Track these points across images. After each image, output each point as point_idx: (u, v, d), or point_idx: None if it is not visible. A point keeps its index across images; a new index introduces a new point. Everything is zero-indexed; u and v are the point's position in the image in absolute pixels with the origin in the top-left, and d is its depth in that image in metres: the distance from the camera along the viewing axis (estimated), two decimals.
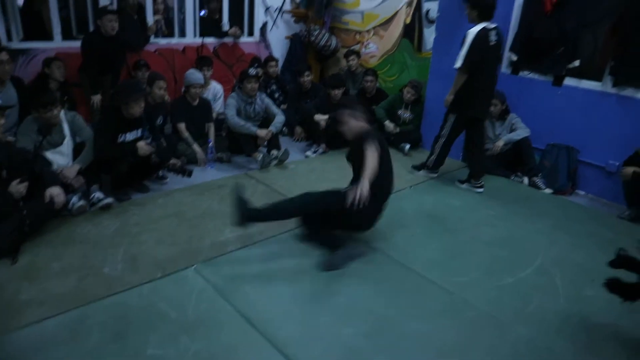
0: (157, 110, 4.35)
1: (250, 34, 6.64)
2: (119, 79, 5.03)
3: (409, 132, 5.48)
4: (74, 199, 3.38)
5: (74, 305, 2.44)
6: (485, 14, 3.93)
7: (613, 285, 2.38)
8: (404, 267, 3.04)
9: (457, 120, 4.26)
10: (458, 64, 3.98)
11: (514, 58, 4.88)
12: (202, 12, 6.12)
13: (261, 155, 4.57)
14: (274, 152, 4.70)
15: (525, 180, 4.66)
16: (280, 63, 6.68)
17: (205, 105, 4.88)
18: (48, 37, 4.98)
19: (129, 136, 3.72)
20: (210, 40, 6.11)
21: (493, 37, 3.97)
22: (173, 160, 4.20)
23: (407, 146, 5.29)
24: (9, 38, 4.68)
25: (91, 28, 5.21)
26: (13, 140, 3.53)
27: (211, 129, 4.82)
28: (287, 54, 6.91)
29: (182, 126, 4.63)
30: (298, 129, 5.64)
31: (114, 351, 2.18)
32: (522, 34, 4.76)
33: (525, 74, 4.87)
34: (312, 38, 6.52)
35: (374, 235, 3.33)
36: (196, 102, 4.76)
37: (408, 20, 5.98)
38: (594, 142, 4.45)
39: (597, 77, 4.43)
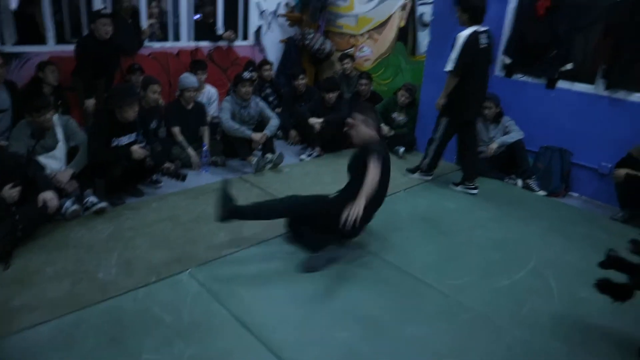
0: (151, 114, 4.34)
1: (245, 37, 6.64)
2: (112, 83, 5.01)
3: (404, 135, 5.50)
4: (68, 203, 3.37)
5: (68, 310, 2.42)
6: (475, 18, 3.95)
7: (603, 286, 2.40)
8: (399, 270, 3.04)
9: (449, 123, 4.28)
10: (449, 67, 4.01)
11: (508, 61, 4.91)
12: (197, 16, 6.12)
13: (256, 159, 4.57)
14: (269, 156, 4.70)
15: (519, 182, 4.68)
16: (275, 67, 6.69)
17: (200, 109, 4.88)
18: (41, 40, 4.96)
19: (123, 140, 3.70)
20: (204, 44, 6.10)
21: (484, 40, 4.00)
22: (167, 164, 4.19)
23: (402, 149, 5.31)
24: (2, 42, 4.65)
25: (85, 32, 5.20)
26: (6, 145, 3.52)
27: (206, 133, 4.82)
28: (281, 57, 6.91)
29: (176, 130, 4.62)
30: (292, 133, 5.64)
31: (109, 356, 2.16)
32: (515, 37, 4.79)
33: (518, 77, 4.90)
34: (307, 42, 6.53)
35: (369, 239, 3.33)
36: (190, 106, 4.75)
37: (402, 24, 6.00)
38: (587, 144, 4.48)
39: (590, 80, 4.46)
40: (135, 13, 5.50)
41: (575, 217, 4.08)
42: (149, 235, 3.25)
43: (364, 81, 5.71)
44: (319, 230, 3.16)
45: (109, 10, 5.06)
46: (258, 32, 6.66)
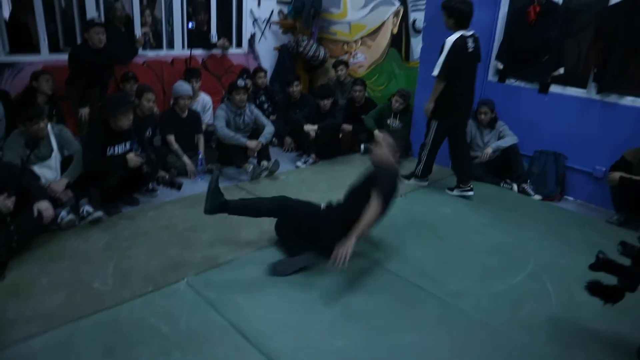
0: (145, 123, 4.33)
1: (239, 45, 6.66)
2: (107, 92, 5.00)
3: None
4: (63, 213, 3.34)
5: (64, 321, 2.40)
6: (461, 23, 3.99)
7: (594, 288, 2.41)
8: (396, 276, 3.03)
9: (439, 126, 4.31)
10: (436, 72, 4.04)
11: (500, 66, 4.95)
12: (190, 24, 6.13)
13: (251, 167, 4.56)
14: (264, 163, 4.69)
15: (515, 187, 4.70)
16: (269, 74, 6.71)
17: (195, 116, 4.87)
18: (35, 50, 4.95)
19: (118, 149, 3.69)
20: (198, 52, 6.11)
21: (471, 44, 4.04)
22: (161, 173, 4.18)
23: None
24: None
25: (79, 41, 5.19)
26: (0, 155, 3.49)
27: (201, 141, 4.81)
28: (275, 64, 6.93)
29: (171, 138, 4.61)
30: (288, 140, 5.64)
31: None
32: (507, 42, 4.83)
33: (511, 82, 4.94)
34: (301, 49, 6.55)
35: (365, 245, 3.33)
36: (185, 114, 4.74)
37: (395, 31, 6.04)
38: (581, 148, 4.51)
39: (582, 84, 4.51)
40: (128, 22, 5.50)
41: (571, 221, 4.09)
42: (145, 245, 3.23)
43: (358, 87, 5.73)
44: (303, 237, 3.15)
45: (102, 19, 5.07)
46: (252, 39, 6.68)
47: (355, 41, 6.52)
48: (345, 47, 6.66)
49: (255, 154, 4.76)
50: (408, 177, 4.74)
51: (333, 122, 5.26)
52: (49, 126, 3.57)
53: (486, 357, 2.37)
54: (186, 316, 2.50)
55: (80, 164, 3.56)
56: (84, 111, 4.65)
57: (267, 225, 3.38)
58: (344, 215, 2.99)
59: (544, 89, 4.71)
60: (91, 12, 5.05)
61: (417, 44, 5.74)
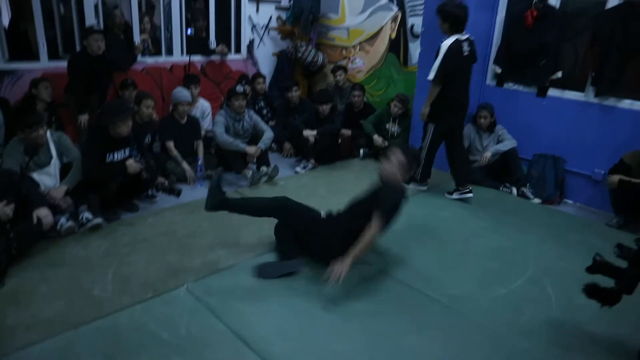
0: (145, 129, 4.34)
1: (238, 51, 6.67)
2: (106, 99, 5.01)
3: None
4: (62, 220, 3.34)
5: (63, 329, 2.39)
6: (456, 27, 4.01)
7: (591, 291, 2.41)
8: (397, 281, 3.03)
9: (436, 130, 4.32)
10: (431, 76, 4.06)
11: (498, 71, 4.96)
12: (189, 31, 6.15)
13: (251, 172, 4.57)
14: (264, 169, 4.70)
15: (514, 190, 4.70)
16: (268, 80, 6.72)
17: (194, 123, 4.88)
18: (34, 57, 4.96)
19: (117, 155, 3.69)
20: (197, 58, 6.12)
21: (466, 47, 4.06)
22: (161, 179, 4.18)
23: None
24: None
25: (78, 48, 5.20)
26: None
27: (200, 147, 4.82)
28: (274, 70, 6.95)
29: (170, 144, 4.61)
30: (287, 145, 5.65)
31: None
32: (505, 47, 4.85)
33: (509, 85, 4.96)
34: (299, 54, 6.57)
35: None
36: (184, 120, 4.75)
37: (393, 36, 6.06)
38: (580, 151, 4.52)
39: (580, 88, 4.52)
40: (127, 28, 5.52)
41: (570, 224, 4.10)
42: (144, 251, 3.22)
43: (356, 92, 5.74)
44: (300, 240, 3.16)
45: (101, 26, 5.08)
46: (250, 45, 6.69)
47: (354, 46, 6.54)
48: (344, 52, 6.68)
49: (255, 160, 4.76)
50: (407, 182, 4.73)
51: (332, 127, 5.27)
52: (48, 133, 3.57)
53: None
54: (186, 322, 2.49)
55: (80, 171, 3.56)
56: (83, 118, 4.66)
57: (267, 230, 3.38)
58: (344, 227, 2.98)
59: (542, 92, 4.72)
60: (90, 19, 5.06)
61: (415, 49, 5.77)
